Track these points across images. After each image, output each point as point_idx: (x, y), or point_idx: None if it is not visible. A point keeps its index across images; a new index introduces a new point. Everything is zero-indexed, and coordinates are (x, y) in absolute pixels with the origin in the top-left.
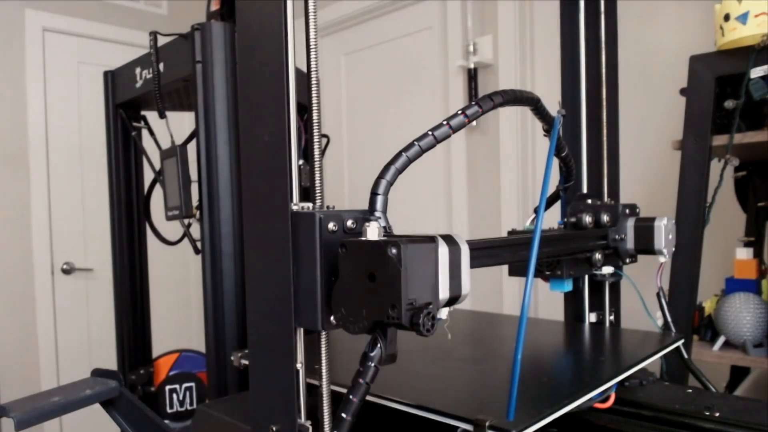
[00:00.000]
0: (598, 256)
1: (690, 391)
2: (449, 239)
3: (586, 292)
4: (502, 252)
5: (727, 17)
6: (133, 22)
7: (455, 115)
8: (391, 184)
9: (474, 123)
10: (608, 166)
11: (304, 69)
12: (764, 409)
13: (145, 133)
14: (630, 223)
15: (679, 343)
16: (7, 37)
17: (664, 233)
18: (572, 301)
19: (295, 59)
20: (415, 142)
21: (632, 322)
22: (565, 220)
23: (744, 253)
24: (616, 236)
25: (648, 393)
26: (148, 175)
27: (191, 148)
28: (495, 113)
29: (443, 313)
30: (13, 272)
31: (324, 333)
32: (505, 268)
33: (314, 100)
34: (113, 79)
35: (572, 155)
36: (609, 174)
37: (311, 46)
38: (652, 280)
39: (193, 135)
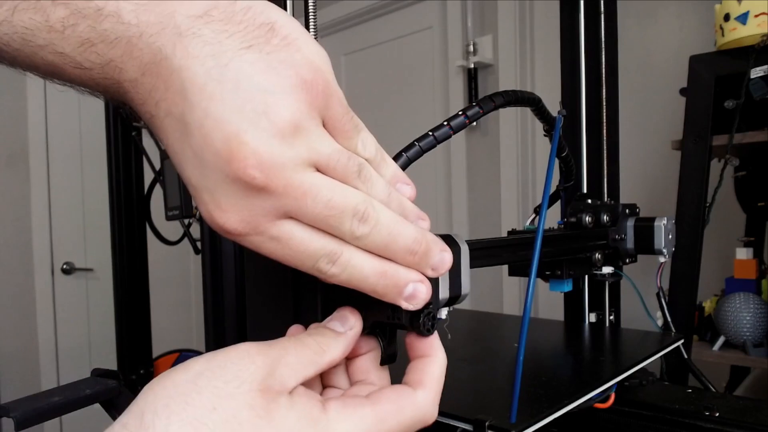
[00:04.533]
0: (598, 256)
1: (690, 391)
2: (449, 239)
3: (586, 292)
4: (502, 252)
5: (727, 17)
6: None
7: (456, 116)
8: None
9: (474, 123)
10: (608, 166)
11: None
12: (764, 409)
13: (145, 133)
14: (630, 222)
15: (679, 343)
16: None
17: (664, 233)
18: (572, 301)
19: None
20: (416, 142)
21: (632, 322)
22: (565, 220)
23: (744, 253)
24: (616, 236)
25: (648, 393)
26: (148, 175)
27: None
28: (495, 113)
29: (443, 313)
30: (13, 272)
31: None
32: (505, 268)
33: None
34: None
35: (572, 155)
36: (609, 174)
37: None
38: (652, 280)
39: None
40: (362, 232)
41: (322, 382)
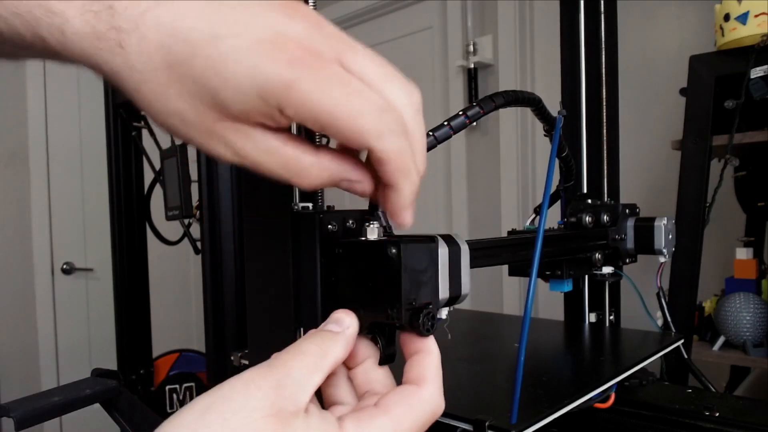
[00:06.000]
0: (598, 256)
1: (690, 391)
2: (449, 239)
3: (586, 292)
4: (502, 252)
5: (727, 17)
6: None
7: (456, 116)
8: None
9: (474, 123)
10: (608, 166)
11: None
12: (764, 409)
13: (145, 133)
14: (630, 222)
15: (679, 343)
16: None
17: (664, 233)
18: (572, 301)
19: None
20: None
21: (632, 322)
22: (565, 220)
23: (744, 253)
24: (616, 236)
25: (648, 393)
26: (148, 175)
27: (191, 147)
28: (495, 113)
29: (443, 313)
30: (13, 272)
31: None
32: (505, 268)
33: None
34: None
35: (572, 155)
36: (609, 174)
37: None
38: (652, 280)
39: None
40: None
41: (327, 400)
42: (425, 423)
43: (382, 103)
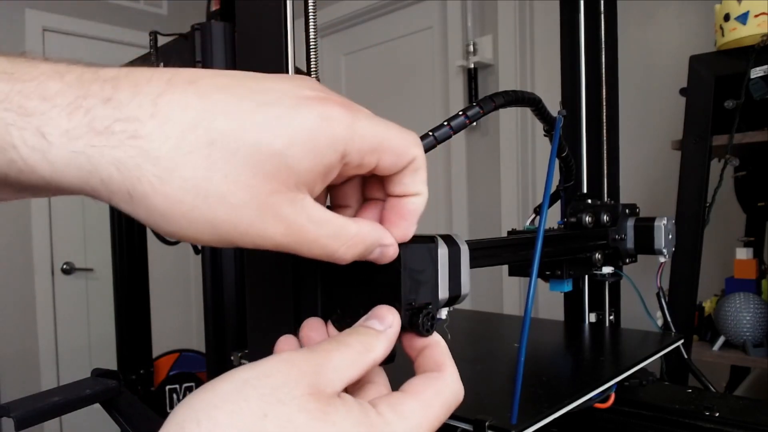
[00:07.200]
0: (598, 256)
1: (690, 391)
2: (449, 239)
3: (586, 292)
4: (502, 252)
5: (727, 17)
6: (133, 22)
7: (456, 116)
8: None
9: (474, 123)
10: (608, 166)
11: (304, 69)
12: (764, 409)
13: None
14: (630, 223)
15: (679, 343)
16: (8, 37)
17: (664, 233)
18: (572, 301)
19: (295, 59)
20: None
21: (632, 322)
22: (565, 220)
23: (744, 253)
24: (616, 236)
25: (648, 393)
26: None
27: None
28: (495, 113)
29: (443, 313)
30: (13, 272)
31: None
32: (505, 268)
33: None
34: None
35: (572, 155)
36: (609, 174)
37: (311, 46)
38: (652, 280)
39: None
40: None
41: None
42: (451, 407)
43: None
